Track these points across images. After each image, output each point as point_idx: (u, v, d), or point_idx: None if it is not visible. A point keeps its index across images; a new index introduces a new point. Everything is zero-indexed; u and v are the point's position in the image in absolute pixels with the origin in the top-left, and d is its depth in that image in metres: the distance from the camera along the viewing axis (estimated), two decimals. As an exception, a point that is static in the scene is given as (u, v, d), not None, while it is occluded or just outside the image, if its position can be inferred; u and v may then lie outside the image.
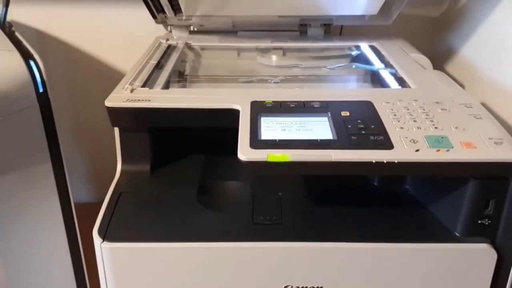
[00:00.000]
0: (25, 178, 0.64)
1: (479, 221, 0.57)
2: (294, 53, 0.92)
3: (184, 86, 0.78)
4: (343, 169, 0.54)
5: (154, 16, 0.91)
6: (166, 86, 0.70)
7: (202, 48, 0.91)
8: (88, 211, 0.71)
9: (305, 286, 0.59)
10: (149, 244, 0.57)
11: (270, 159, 0.52)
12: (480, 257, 0.58)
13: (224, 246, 0.57)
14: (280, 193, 0.64)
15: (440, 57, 1.05)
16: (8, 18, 1.04)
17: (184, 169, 0.70)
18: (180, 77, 0.80)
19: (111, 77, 1.14)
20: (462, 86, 0.94)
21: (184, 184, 0.66)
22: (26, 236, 0.66)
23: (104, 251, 0.57)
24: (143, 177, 0.67)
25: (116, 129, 0.66)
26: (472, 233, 0.58)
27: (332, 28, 0.98)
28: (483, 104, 0.85)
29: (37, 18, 1.09)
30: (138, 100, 0.63)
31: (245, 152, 0.53)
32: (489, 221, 0.57)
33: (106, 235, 0.57)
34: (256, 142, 0.54)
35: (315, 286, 0.59)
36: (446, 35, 1.04)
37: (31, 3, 1.07)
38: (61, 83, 1.14)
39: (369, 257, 0.58)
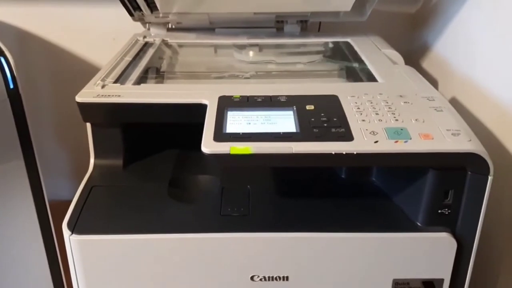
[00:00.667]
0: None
1: (439, 211, 0.59)
2: (270, 49, 0.93)
3: (158, 83, 0.79)
4: (305, 160, 0.55)
5: (131, 14, 0.92)
6: (139, 82, 0.71)
7: (179, 45, 0.92)
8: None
9: (271, 275, 0.60)
10: (118, 236, 0.58)
11: (232, 152, 0.54)
12: (441, 245, 0.59)
13: (192, 237, 0.59)
14: (248, 186, 0.66)
15: (415, 53, 1.07)
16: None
17: (156, 164, 0.71)
18: (154, 74, 0.81)
19: (92, 74, 1.16)
20: (435, 81, 0.96)
21: (155, 177, 0.67)
22: (0, 232, 0.67)
23: (73, 243, 0.58)
24: (115, 171, 0.68)
25: (88, 124, 0.67)
26: (433, 223, 0.59)
27: (310, 24, 1.00)
28: (454, 99, 0.88)
29: (19, 17, 1.10)
30: (108, 95, 0.64)
31: (208, 145, 0.54)
32: (449, 211, 0.59)
33: (75, 228, 0.58)
34: (220, 135, 0.56)
35: (281, 276, 0.60)
36: (421, 32, 1.06)
37: (13, 2, 1.08)
38: (43, 81, 1.15)
39: (334, 247, 0.59)
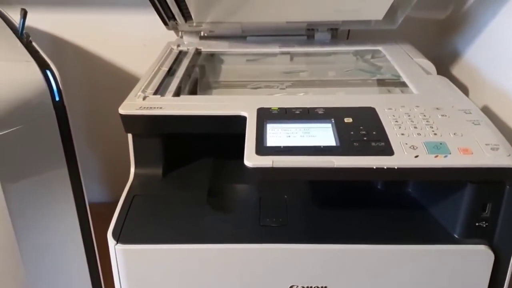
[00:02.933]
0: (43, 182, 0.68)
1: (477, 224, 0.59)
2: (301, 57, 0.94)
3: (194, 92, 0.81)
4: (345, 175, 0.56)
5: (165, 23, 0.94)
6: (177, 93, 0.73)
7: (213, 54, 0.94)
8: (102, 210, 0.75)
9: (310, 285, 0.62)
10: (161, 246, 0.60)
11: (276, 166, 0.55)
12: (478, 258, 0.60)
13: (232, 248, 0.60)
14: (286, 196, 0.67)
15: (445, 60, 1.07)
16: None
17: (195, 173, 0.73)
18: (191, 84, 0.82)
19: (123, 80, 1.18)
20: (466, 89, 0.96)
21: (194, 187, 0.69)
22: (44, 237, 0.70)
23: (118, 252, 0.60)
24: (155, 180, 0.70)
25: (130, 135, 0.69)
26: (470, 235, 0.60)
27: (339, 32, 1.01)
28: (486, 108, 0.88)
29: (53, 24, 1.12)
30: (150, 107, 0.66)
31: (251, 159, 0.56)
32: (487, 224, 0.59)
33: (120, 237, 0.60)
34: (262, 149, 0.57)
35: (320, 286, 0.62)
36: (451, 38, 1.06)
37: (46, 9, 1.10)
38: (75, 87, 1.18)
39: (371, 258, 0.61)
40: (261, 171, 0.56)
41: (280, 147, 0.58)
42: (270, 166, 0.55)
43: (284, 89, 0.79)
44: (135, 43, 1.13)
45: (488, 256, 0.60)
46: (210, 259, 0.61)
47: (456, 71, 1.03)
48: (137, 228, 0.62)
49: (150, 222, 0.63)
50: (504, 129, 0.80)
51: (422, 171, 0.55)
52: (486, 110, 0.88)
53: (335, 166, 0.55)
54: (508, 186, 0.57)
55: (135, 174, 0.71)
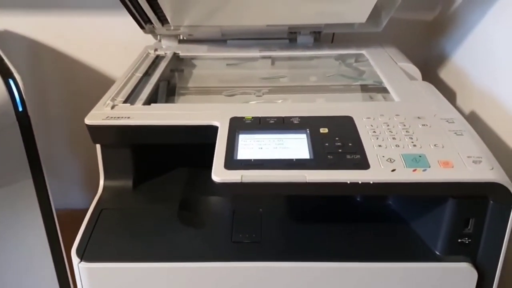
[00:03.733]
0: (7, 194, 0.65)
1: (459, 240, 0.56)
2: (283, 62, 0.91)
3: (169, 99, 0.77)
4: (318, 189, 0.53)
5: (142, 27, 0.91)
6: (149, 101, 0.70)
7: (190, 58, 0.91)
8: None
9: (284, 305, 0.59)
10: (128, 264, 0.57)
11: (245, 181, 0.52)
12: (461, 276, 0.57)
13: (203, 266, 0.57)
14: (260, 209, 0.64)
15: (433, 62, 1.04)
16: (2, 28, 1.05)
17: (166, 184, 0.70)
18: (166, 90, 0.79)
19: (104, 84, 1.15)
20: (453, 93, 0.93)
21: (165, 199, 0.66)
22: (10, 250, 0.67)
23: (82, 271, 0.57)
24: (125, 193, 0.67)
25: (98, 146, 0.66)
26: (453, 252, 0.57)
27: (323, 35, 0.97)
28: (473, 112, 0.85)
29: (31, 27, 1.09)
30: (118, 117, 0.63)
31: (218, 173, 0.53)
32: (469, 240, 0.56)
33: (84, 255, 0.57)
34: (231, 162, 0.54)
35: (294, 305, 0.59)
36: (439, 40, 1.03)
37: (25, 13, 1.07)
38: (55, 91, 1.15)
39: (349, 276, 0.58)
40: (230, 186, 0.53)
41: (250, 160, 0.55)
42: (239, 181, 0.52)
43: (261, 96, 0.76)
44: (116, 46, 1.10)
45: (471, 274, 0.57)
46: (179, 278, 0.58)
47: (443, 74, 1.00)
48: (103, 245, 0.59)
49: (117, 239, 0.60)
50: (490, 134, 0.77)
51: (399, 186, 0.52)
52: (473, 115, 0.85)
53: (307, 180, 0.52)
54: (491, 201, 0.54)
55: (104, 186, 0.68)
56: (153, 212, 0.64)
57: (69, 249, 0.73)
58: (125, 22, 1.05)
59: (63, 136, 1.19)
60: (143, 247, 0.59)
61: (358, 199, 0.67)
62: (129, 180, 0.68)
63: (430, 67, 1.04)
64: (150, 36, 0.97)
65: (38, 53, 1.12)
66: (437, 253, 0.57)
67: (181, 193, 0.67)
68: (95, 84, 1.13)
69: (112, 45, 1.10)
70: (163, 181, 0.70)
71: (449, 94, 0.93)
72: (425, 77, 0.81)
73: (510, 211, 0.53)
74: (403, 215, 0.63)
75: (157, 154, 0.71)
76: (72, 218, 0.72)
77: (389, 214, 0.64)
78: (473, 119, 0.83)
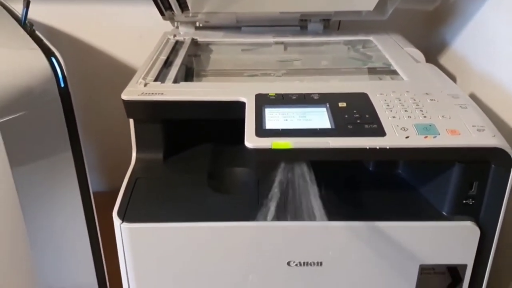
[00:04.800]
0: (48, 167, 0.70)
1: (464, 201, 0.63)
2: (295, 47, 0.97)
3: (192, 80, 0.83)
4: (341, 155, 0.59)
5: (162, 13, 0.96)
6: (176, 80, 0.75)
7: (208, 44, 0.96)
8: (99, 199, 0.78)
9: (306, 261, 0.65)
10: (165, 224, 0.63)
11: (274, 147, 0.58)
12: (465, 233, 0.64)
13: (233, 226, 0.63)
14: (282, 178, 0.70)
15: (434, 49, 1.10)
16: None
17: (194, 157, 0.75)
18: (189, 72, 0.85)
19: (120, 71, 1.20)
20: (453, 78, 1.00)
21: (194, 170, 0.72)
22: (50, 218, 0.72)
23: (124, 231, 0.63)
24: (156, 164, 0.73)
25: (131, 120, 0.72)
26: (458, 212, 0.64)
27: (331, 23, 1.04)
28: (472, 95, 0.91)
29: (49, 15, 1.14)
30: (152, 93, 0.69)
31: (251, 140, 0.58)
32: (473, 201, 0.63)
33: (125, 217, 0.63)
34: (261, 131, 0.60)
35: (315, 261, 0.65)
36: (439, 29, 1.10)
37: (42, 1, 1.12)
38: (72, 78, 1.20)
39: (364, 235, 0.64)
40: (261, 152, 0.59)
41: (278, 129, 0.61)
42: (269, 147, 0.58)
43: (280, 76, 0.81)
44: (131, 34, 1.15)
45: (474, 232, 0.63)
46: (211, 237, 0.63)
47: (444, 60, 1.06)
48: (140, 208, 0.65)
49: (153, 203, 0.66)
50: (489, 114, 0.84)
51: (412, 151, 0.58)
52: (472, 97, 0.91)
53: (330, 146, 0.58)
54: (493, 165, 0.60)
55: (137, 158, 0.73)
56: (184, 181, 0.70)
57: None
58: (141, 10, 1.11)
59: (79, 122, 1.24)
60: (178, 209, 0.64)
61: (370, 168, 0.73)
62: (160, 153, 0.73)
63: (431, 54, 1.10)
64: (164, 24, 1.02)
65: (55, 40, 1.16)
66: (444, 213, 0.64)
67: (209, 165, 0.73)
68: (110, 72, 1.18)
69: (128, 33, 1.15)
70: (191, 155, 0.76)
71: (451, 79, 1.00)
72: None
73: (510, 174, 0.60)
74: (412, 182, 0.70)
75: (185, 130, 0.77)
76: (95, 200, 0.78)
77: (400, 181, 0.71)
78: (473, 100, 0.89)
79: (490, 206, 0.63)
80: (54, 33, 1.16)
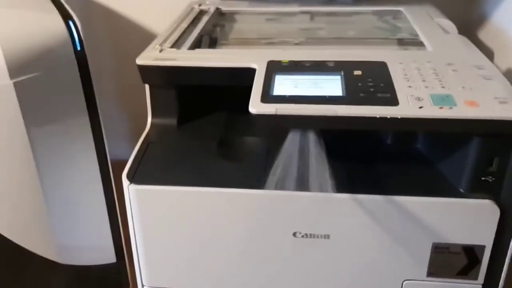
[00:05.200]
0: (64, 130, 0.71)
1: (483, 178, 0.59)
2: (321, 17, 0.94)
3: (211, 48, 0.82)
4: (349, 124, 0.57)
5: (187, -17, 0.95)
6: (193, 47, 0.74)
7: (232, 13, 0.95)
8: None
9: (313, 233, 0.64)
10: (172, 188, 0.63)
11: (279, 113, 0.57)
12: (483, 212, 0.60)
13: (240, 192, 0.62)
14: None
15: (471, 23, 1.04)
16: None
17: (208, 124, 0.75)
18: (208, 40, 0.84)
19: (149, 39, 1.21)
20: (491, 52, 0.94)
21: (206, 137, 0.71)
22: (66, 183, 0.74)
23: (131, 192, 0.63)
24: (170, 130, 0.73)
25: (147, 86, 0.72)
26: (476, 190, 0.60)
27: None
28: (509, 71, 0.86)
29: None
30: (165, 59, 0.68)
31: (255, 106, 0.57)
32: (493, 178, 0.59)
33: (133, 178, 0.64)
34: (267, 97, 0.58)
35: (323, 234, 0.63)
36: (478, 0, 1.03)
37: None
38: (101, 45, 1.21)
39: (375, 209, 0.62)
40: (265, 118, 0.57)
41: (285, 96, 0.59)
42: (274, 113, 0.56)
43: (298, 44, 0.79)
44: (162, 4, 1.15)
45: (494, 211, 0.60)
46: (217, 203, 0.63)
47: (482, 34, 1.00)
48: (150, 172, 0.65)
49: (162, 167, 0.66)
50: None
51: (426, 122, 0.55)
52: (509, 73, 0.86)
53: (338, 114, 0.56)
54: (515, 140, 0.56)
55: (152, 123, 0.74)
56: (196, 146, 0.70)
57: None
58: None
59: (110, 91, 1.26)
60: (186, 174, 0.64)
61: (388, 142, 0.70)
62: (174, 119, 0.73)
63: (469, 27, 1.04)
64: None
65: (85, 7, 1.18)
66: (462, 190, 0.61)
67: (220, 133, 0.73)
68: (140, 39, 1.19)
69: (158, 2, 1.15)
70: (204, 122, 0.76)
71: (486, 53, 0.94)
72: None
73: (533, 150, 0.56)
74: (430, 157, 0.66)
75: (201, 97, 0.77)
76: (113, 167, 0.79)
77: (417, 156, 0.67)
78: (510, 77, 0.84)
79: (511, 184, 0.59)
80: (87, 3, 1.17)
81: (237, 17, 0.95)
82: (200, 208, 0.64)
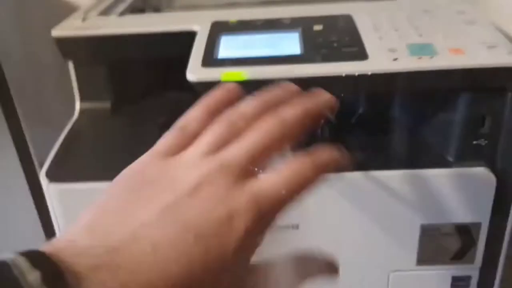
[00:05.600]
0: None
1: (474, 142, 0.49)
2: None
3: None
4: (309, 85, 0.46)
5: None
6: (126, 13, 0.63)
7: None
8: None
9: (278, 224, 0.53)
10: (101, 184, 0.51)
11: (224, 79, 0.46)
12: (477, 183, 0.50)
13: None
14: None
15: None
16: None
17: (148, 106, 0.63)
18: (147, 6, 0.72)
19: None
20: None
21: (145, 121, 0.60)
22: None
23: (52, 193, 0.52)
24: (103, 116, 0.61)
25: (71, 64, 0.60)
26: (467, 157, 0.50)
27: None
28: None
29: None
30: (86, 28, 0.57)
31: (195, 72, 0.46)
32: (486, 141, 0.49)
33: (54, 176, 0.52)
34: (210, 61, 0.48)
35: (290, 224, 0.53)
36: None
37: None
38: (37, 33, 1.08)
39: (350, 189, 0.51)
40: (208, 86, 0.46)
41: (232, 58, 0.48)
42: (218, 79, 0.46)
43: (250, 4, 0.68)
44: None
45: (489, 180, 0.50)
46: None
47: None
48: (75, 167, 0.53)
49: (91, 160, 0.55)
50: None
51: (403, 77, 0.45)
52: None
53: (295, 75, 0.45)
54: (510, 93, 0.46)
55: (81, 109, 0.62)
56: (133, 133, 0.58)
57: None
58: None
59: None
60: (119, 167, 0.53)
61: (360, 111, 0.60)
62: (107, 102, 0.62)
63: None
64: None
65: None
66: (450, 159, 0.51)
67: (163, 116, 0.61)
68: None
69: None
70: (144, 104, 0.64)
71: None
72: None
73: (533, 104, 0.46)
74: (411, 124, 0.56)
75: (138, 75, 0.65)
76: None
77: (396, 125, 0.57)
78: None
79: (508, 146, 0.49)
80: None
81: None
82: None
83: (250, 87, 0.46)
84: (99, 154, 0.56)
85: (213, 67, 0.47)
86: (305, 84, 0.45)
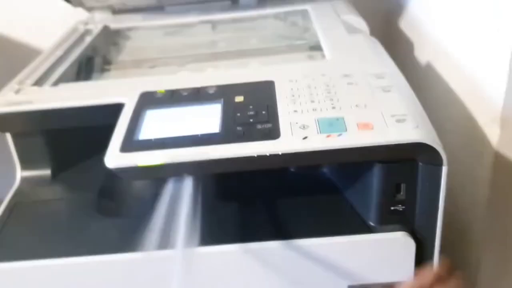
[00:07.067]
0: None
1: (392, 208, 0.51)
2: (223, 25, 0.85)
3: (90, 76, 0.71)
4: (226, 167, 0.48)
5: (67, 0, 0.84)
6: (60, 81, 0.64)
7: (123, 30, 0.84)
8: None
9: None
10: (36, 262, 0.52)
11: (140, 165, 0.47)
12: (398, 246, 0.52)
13: (114, 260, 0.52)
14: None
15: (394, 14, 0.96)
16: None
17: (88, 172, 0.64)
18: (90, 66, 0.74)
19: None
20: (412, 44, 0.86)
21: (85, 188, 0.61)
22: None
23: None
24: (43, 183, 0.62)
25: (8, 134, 0.61)
26: (387, 221, 0.52)
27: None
28: (428, 64, 0.78)
29: None
30: (20, 103, 0.58)
31: (112, 158, 0.47)
32: (403, 207, 0.51)
33: (-9, 256, 0.53)
34: (128, 144, 0.49)
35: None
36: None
37: None
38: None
39: (274, 258, 0.52)
40: (126, 173, 0.48)
41: (151, 140, 0.49)
42: (135, 165, 0.47)
43: (184, 66, 0.69)
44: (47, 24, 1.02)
45: (408, 244, 0.51)
46: (89, 274, 0.53)
47: (403, 25, 0.92)
48: (11, 243, 0.54)
49: (26, 235, 0.55)
50: (443, 89, 0.71)
51: (311, 155, 0.46)
52: (428, 68, 0.78)
53: (210, 158, 0.47)
54: (420, 163, 0.48)
55: (22, 177, 0.63)
56: (71, 203, 0.59)
57: None
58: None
59: None
60: (53, 243, 0.54)
61: (292, 169, 0.61)
62: (47, 169, 0.63)
63: (393, 19, 0.96)
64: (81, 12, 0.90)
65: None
66: (371, 224, 0.52)
67: (102, 182, 0.62)
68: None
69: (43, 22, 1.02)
70: (84, 169, 0.65)
71: (408, 46, 0.86)
72: (387, 30, 0.73)
73: (441, 172, 0.48)
74: (337, 184, 0.58)
75: (77, 141, 0.66)
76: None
77: (324, 184, 0.59)
78: (427, 71, 0.77)
79: (424, 211, 0.50)
80: None
81: (130, 33, 0.85)
82: (77, 282, 0.53)
83: (168, 170, 0.48)
84: (36, 228, 0.56)
85: (131, 151, 0.48)
86: (221, 165, 0.48)
